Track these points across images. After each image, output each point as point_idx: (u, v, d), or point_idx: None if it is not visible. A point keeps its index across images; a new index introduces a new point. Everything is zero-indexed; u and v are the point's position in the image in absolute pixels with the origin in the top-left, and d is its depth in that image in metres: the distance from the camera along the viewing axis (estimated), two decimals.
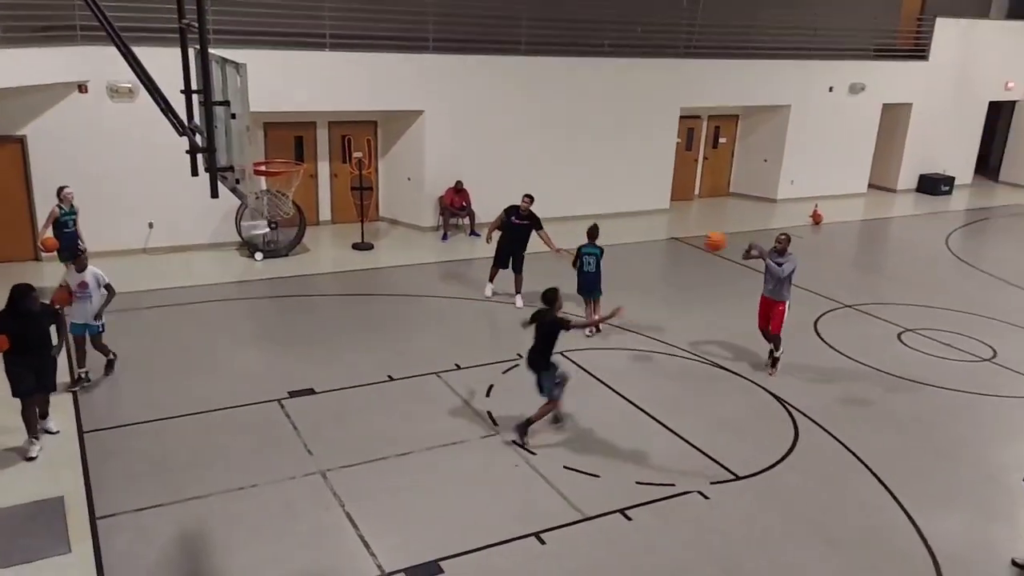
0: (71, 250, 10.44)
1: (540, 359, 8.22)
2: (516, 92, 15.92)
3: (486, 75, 15.57)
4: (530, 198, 11.90)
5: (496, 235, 12.22)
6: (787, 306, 9.92)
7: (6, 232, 12.83)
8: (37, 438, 7.70)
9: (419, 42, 14.98)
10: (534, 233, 11.95)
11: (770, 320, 10.02)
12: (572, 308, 11.39)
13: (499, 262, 12.27)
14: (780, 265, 9.73)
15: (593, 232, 11.24)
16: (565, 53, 16.26)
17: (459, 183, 15.56)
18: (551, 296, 8.21)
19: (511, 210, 11.99)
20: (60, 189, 11.13)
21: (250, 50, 11.66)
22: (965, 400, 9.74)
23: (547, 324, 8.13)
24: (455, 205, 15.67)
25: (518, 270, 12.17)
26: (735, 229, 17.43)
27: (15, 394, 7.59)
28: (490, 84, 15.64)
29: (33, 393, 7.66)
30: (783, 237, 9.82)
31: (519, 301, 12.17)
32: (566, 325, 8.15)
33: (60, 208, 11.03)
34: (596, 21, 16.66)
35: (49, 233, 10.98)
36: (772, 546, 6.89)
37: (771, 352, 10.27)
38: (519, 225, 11.92)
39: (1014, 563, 6.69)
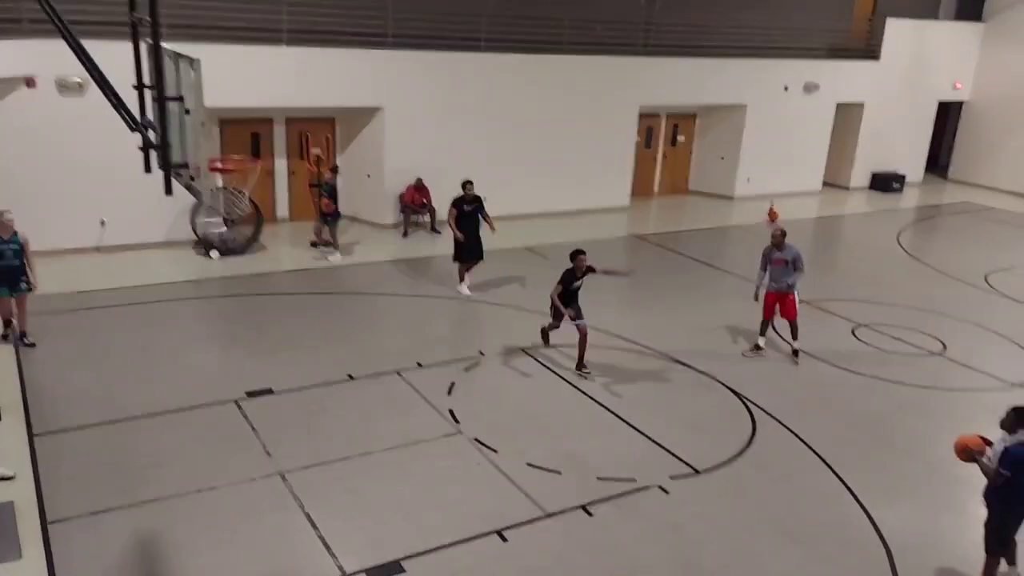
0: (12, 285, 9.50)
1: None
2: (476, 89, 15.89)
3: (446, 72, 15.51)
4: (471, 184, 12.20)
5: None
6: (796, 294, 10.54)
7: None
8: None
9: (378, 38, 14.87)
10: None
11: (783, 310, 10.59)
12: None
13: (462, 256, 12.33)
14: (785, 262, 10.36)
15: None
16: (525, 50, 16.28)
17: (419, 180, 15.48)
18: None
19: (459, 201, 12.18)
20: None
21: (205, 45, 11.47)
22: (916, 394, 9.96)
23: None
24: (416, 202, 15.59)
25: (476, 262, 12.46)
26: (694, 226, 17.67)
27: None
28: (450, 81, 15.59)
29: None
30: (778, 232, 10.48)
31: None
32: None
33: None
34: (555, 18, 16.70)
35: None
36: (731, 539, 6.98)
37: (756, 350, 10.80)
38: (470, 212, 12.14)
39: None
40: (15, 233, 9.49)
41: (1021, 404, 6.14)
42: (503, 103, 16.24)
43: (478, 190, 12.31)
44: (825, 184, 21.71)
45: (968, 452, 6.28)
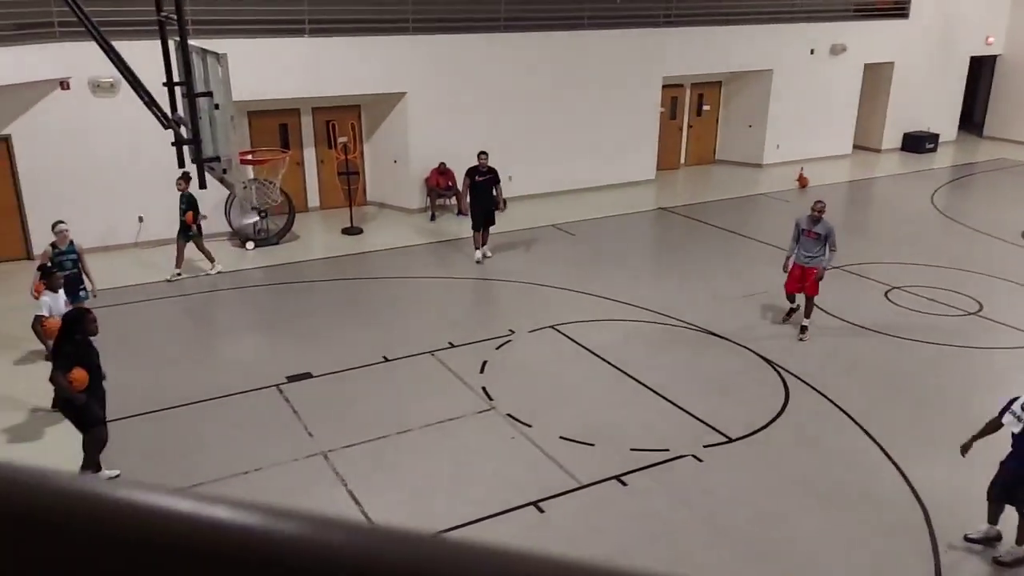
0: (71, 294, 9.24)
1: None
2: (497, 69, 15.91)
3: (467, 54, 15.56)
4: (486, 154, 12.76)
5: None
6: (821, 271, 10.03)
7: None
8: None
9: (399, 24, 14.97)
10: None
11: (805, 284, 10.15)
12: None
13: (478, 224, 12.96)
14: (817, 236, 9.96)
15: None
16: (545, 28, 16.26)
17: (443, 164, 15.59)
18: None
19: (472, 171, 12.75)
20: (53, 225, 9.59)
21: (230, 40, 11.66)
22: (951, 353, 9.92)
23: None
24: (441, 186, 15.72)
25: (488, 227, 13.01)
26: (722, 196, 17.58)
27: (91, 424, 7.04)
28: (471, 62, 15.64)
29: (99, 424, 7.05)
30: (818, 205, 10.04)
31: (488, 252, 13.14)
32: None
33: (53, 248, 9.46)
34: None
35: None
36: (764, 503, 7.07)
37: (791, 314, 10.73)
38: (483, 182, 12.68)
39: (967, 539, 6.65)
40: (71, 243, 9.63)
41: None
42: (525, 82, 16.25)
43: (504, 170, 12.49)
44: (855, 147, 21.39)
45: None
